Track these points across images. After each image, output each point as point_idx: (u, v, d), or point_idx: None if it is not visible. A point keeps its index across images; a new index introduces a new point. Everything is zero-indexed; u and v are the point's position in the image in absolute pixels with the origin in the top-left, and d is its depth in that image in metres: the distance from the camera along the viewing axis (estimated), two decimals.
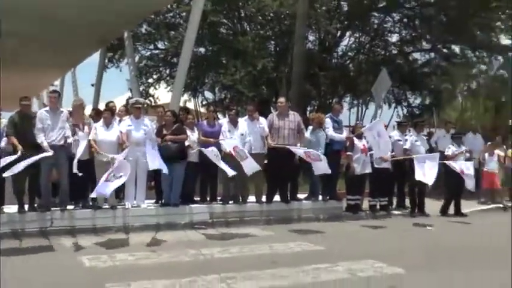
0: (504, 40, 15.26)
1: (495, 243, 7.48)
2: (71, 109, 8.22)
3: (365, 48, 18.16)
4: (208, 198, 8.70)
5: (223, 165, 7.89)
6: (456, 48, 16.66)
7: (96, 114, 8.61)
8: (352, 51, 18.46)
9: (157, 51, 19.16)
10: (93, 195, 7.24)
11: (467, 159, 10.38)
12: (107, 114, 8.03)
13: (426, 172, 8.88)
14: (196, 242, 6.88)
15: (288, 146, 8.42)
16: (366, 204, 9.83)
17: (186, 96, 19.13)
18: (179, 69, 11.80)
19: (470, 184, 9.47)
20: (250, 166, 7.96)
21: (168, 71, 19.37)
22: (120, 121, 8.30)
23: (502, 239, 7.84)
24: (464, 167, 9.50)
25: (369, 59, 18.05)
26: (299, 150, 8.41)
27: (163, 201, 8.24)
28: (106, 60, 18.38)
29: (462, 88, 32.53)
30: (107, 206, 7.81)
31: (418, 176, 8.88)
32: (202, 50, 18.02)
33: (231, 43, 16.73)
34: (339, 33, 17.37)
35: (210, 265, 5.56)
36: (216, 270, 5.20)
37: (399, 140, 9.96)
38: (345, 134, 9.65)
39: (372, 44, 17.93)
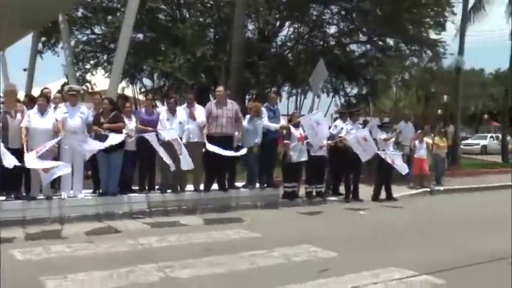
0: (433, 35, 16.05)
1: (421, 224, 8.07)
2: (1, 95, 7.91)
3: (304, 38, 18.49)
4: (146, 187, 8.65)
5: (164, 155, 7.93)
6: (390, 41, 17.32)
7: (30, 101, 8.33)
8: (291, 41, 18.75)
9: (94, 36, 18.62)
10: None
11: (397, 143, 11.11)
12: (41, 101, 7.77)
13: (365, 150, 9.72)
14: (135, 232, 6.88)
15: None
16: (302, 191, 10.11)
17: (124, 83, 18.74)
18: (117, 55, 11.54)
19: (403, 170, 10.12)
20: (185, 161, 8.07)
21: (105, 57, 18.86)
22: (55, 108, 8.07)
23: (427, 220, 8.49)
24: (394, 159, 10.11)
25: (307, 49, 18.40)
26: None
27: (101, 190, 8.12)
28: (40, 45, 17.65)
29: (396, 79, 33.94)
30: (42, 197, 7.59)
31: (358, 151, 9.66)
32: (140, 36, 17.69)
33: (170, 30, 16.53)
34: (278, 23, 17.56)
35: (148, 254, 5.59)
36: (154, 260, 5.25)
37: (352, 129, 10.43)
38: (282, 122, 9.88)
39: (310, 34, 18.28)
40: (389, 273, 5.06)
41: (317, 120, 9.60)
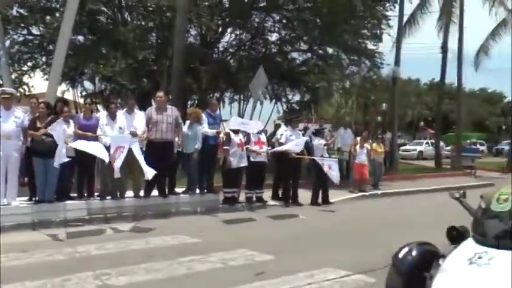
0: (370, 45, 16.70)
1: (356, 227, 8.42)
2: None
3: (246, 45, 18.68)
4: (85, 194, 8.48)
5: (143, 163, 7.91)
6: (331, 50, 17.80)
7: None
8: (233, 47, 18.87)
9: (31, 37, 17.96)
10: None
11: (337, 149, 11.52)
12: None
13: None
14: (72, 240, 6.74)
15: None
16: (242, 197, 10.24)
17: (64, 86, 18.21)
18: (55, 58, 11.18)
19: (335, 179, 10.47)
20: (147, 169, 8.02)
21: (44, 59, 18.23)
22: None
23: (362, 222, 8.85)
24: (331, 164, 10.47)
25: (249, 55, 18.60)
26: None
27: (37, 198, 7.88)
28: None
29: (337, 87, 34.91)
30: None
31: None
32: (81, 38, 17.26)
33: (111, 33, 16.24)
34: (220, 29, 17.66)
35: (86, 262, 5.51)
36: (91, 268, 5.19)
37: (291, 135, 10.70)
38: (221, 129, 10.02)
39: (252, 41, 18.49)
40: (324, 273, 5.27)
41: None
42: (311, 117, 29.11)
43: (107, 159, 7.85)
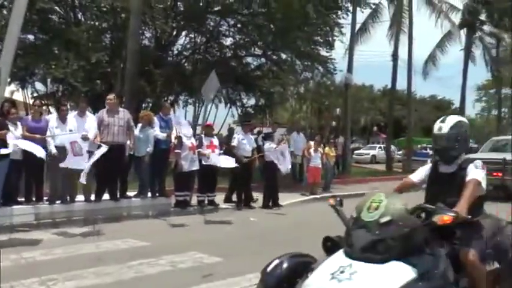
0: (323, 52, 17.07)
1: (304, 228, 8.61)
2: None
3: (200, 49, 18.67)
4: (33, 199, 8.29)
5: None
6: (284, 56, 18.04)
7: None
8: (187, 50, 18.81)
9: None
10: None
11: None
12: None
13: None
14: (19, 245, 6.55)
15: None
16: (194, 200, 10.25)
17: (13, 87, 17.62)
18: (3, 57, 10.83)
19: (283, 168, 10.65)
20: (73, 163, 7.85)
21: None
22: None
23: (310, 224, 9.06)
24: (281, 152, 10.78)
25: (204, 59, 18.60)
26: None
27: None
28: None
29: (292, 92, 35.41)
30: None
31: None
32: (31, 37, 16.76)
33: (63, 33, 15.86)
34: (174, 32, 17.57)
35: (32, 269, 5.40)
36: (37, 274, 5.10)
37: (243, 139, 10.78)
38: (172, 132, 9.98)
39: (207, 45, 18.49)
40: None
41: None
42: (266, 121, 29.42)
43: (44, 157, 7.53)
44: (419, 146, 36.11)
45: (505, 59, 34.19)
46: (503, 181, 12.64)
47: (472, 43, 27.09)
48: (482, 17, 26.83)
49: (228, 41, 18.22)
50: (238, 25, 17.14)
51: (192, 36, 18.52)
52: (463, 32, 26.27)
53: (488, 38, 27.89)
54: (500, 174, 12.80)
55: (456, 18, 25.41)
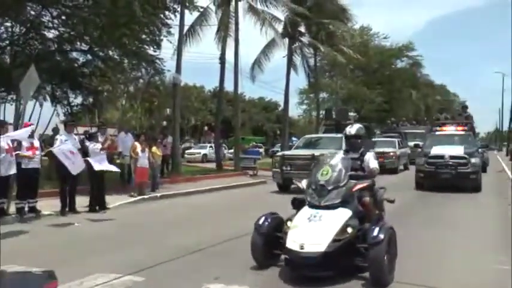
0: (151, 51, 16.94)
1: (132, 229, 8.55)
2: None
3: (19, 40, 17.02)
4: None
5: None
6: (112, 53, 17.39)
7: None
8: (3, 41, 16.99)
9: None
10: None
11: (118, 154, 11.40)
12: None
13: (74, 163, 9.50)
14: None
15: None
16: (13, 208, 9.43)
17: None
18: None
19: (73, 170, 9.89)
20: None
21: None
22: None
23: (139, 225, 9.01)
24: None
25: (24, 51, 17.02)
26: None
27: None
28: None
29: (122, 91, 34.46)
30: None
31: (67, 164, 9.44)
32: None
33: None
34: None
35: None
36: None
37: (66, 140, 10.07)
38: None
39: (26, 37, 16.93)
40: (94, 279, 5.26)
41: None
42: (95, 121, 28.21)
43: None
44: (250, 144, 38.06)
45: (322, 68, 37.91)
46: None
47: (293, 52, 29.31)
48: (302, 28, 29.20)
49: (51, 34, 16.88)
50: (63, 17, 15.96)
51: (9, 25, 16.76)
52: (285, 41, 28.27)
53: (306, 49, 30.46)
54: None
55: (279, 27, 27.25)
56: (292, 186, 14.04)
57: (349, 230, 5.14)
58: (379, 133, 29.50)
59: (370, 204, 5.89)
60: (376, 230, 5.08)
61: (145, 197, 12.88)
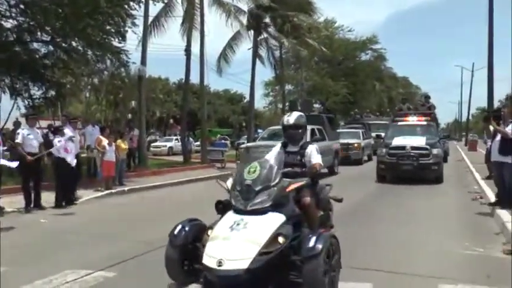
0: (115, 43, 16.58)
1: (100, 224, 8.40)
2: None
3: None
4: None
5: None
6: (75, 44, 16.93)
7: None
8: None
9: None
10: None
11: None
12: None
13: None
14: None
15: None
16: None
17: None
18: None
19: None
20: None
21: None
22: None
23: (107, 220, 8.88)
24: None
25: None
26: None
27: None
28: None
29: (86, 83, 33.74)
30: None
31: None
32: None
33: None
34: None
35: None
36: None
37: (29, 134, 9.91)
38: None
39: None
40: (64, 276, 5.17)
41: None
42: (58, 114, 27.50)
43: None
44: (217, 136, 37.94)
45: (287, 60, 38.03)
46: None
47: (258, 44, 29.30)
48: (267, 20, 29.19)
49: (9, 23, 16.25)
50: (21, 6, 15.40)
51: None
52: (250, 33, 28.23)
53: (272, 41, 30.51)
54: None
55: (245, 19, 27.17)
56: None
57: (281, 239, 4.21)
58: (343, 124, 29.74)
59: (311, 206, 5.00)
60: (313, 239, 4.24)
61: (113, 191, 12.69)
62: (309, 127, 15.38)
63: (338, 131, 23.42)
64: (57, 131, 10.92)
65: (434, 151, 14.51)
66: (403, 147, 14.63)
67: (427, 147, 14.49)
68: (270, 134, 17.22)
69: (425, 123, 16.94)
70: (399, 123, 17.41)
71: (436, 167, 14.50)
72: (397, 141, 15.02)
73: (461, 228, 7.92)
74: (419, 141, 14.82)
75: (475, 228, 7.87)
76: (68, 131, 10.79)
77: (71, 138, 10.54)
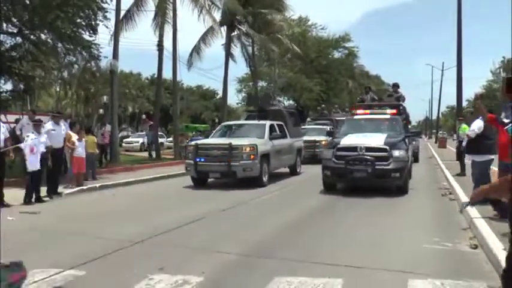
0: (86, 36, 16.24)
1: (71, 222, 8.24)
2: None
3: None
4: None
5: None
6: (44, 36, 16.54)
7: None
8: None
9: None
10: None
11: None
12: None
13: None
14: None
15: None
16: None
17: None
18: None
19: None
20: None
21: None
22: None
23: (78, 217, 8.71)
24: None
25: None
26: None
27: None
28: None
29: (56, 76, 33.02)
30: None
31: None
32: None
33: None
34: None
35: None
36: None
37: None
38: None
39: None
40: (32, 276, 5.01)
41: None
42: (26, 108, 26.89)
43: None
44: (193, 132, 37.63)
45: (260, 57, 37.99)
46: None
47: (231, 40, 29.19)
48: (239, 17, 29.12)
49: None
50: None
51: None
52: (223, 29, 28.14)
53: (245, 37, 30.42)
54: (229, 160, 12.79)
55: (218, 15, 27.06)
56: (210, 179, 13.73)
57: None
58: (309, 120, 27.53)
59: None
60: None
61: (84, 187, 12.46)
62: (268, 123, 14.80)
63: (305, 127, 22.77)
64: (36, 126, 10.66)
65: (396, 153, 11.23)
66: (354, 148, 11.41)
67: (386, 147, 11.26)
68: (224, 130, 15.56)
69: (388, 117, 13.93)
70: (356, 116, 14.65)
71: (398, 173, 11.14)
72: (348, 140, 11.95)
73: (431, 224, 8.06)
74: (377, 140, 11.67)
75: (444, 224, 8.02)
76: (48, 125, 10.59)
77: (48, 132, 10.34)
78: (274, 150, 14.32)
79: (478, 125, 8.87)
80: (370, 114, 14.48)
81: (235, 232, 7.36)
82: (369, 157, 11.12)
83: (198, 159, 13.09)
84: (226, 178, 13.40)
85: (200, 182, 13.51)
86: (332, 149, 11.83)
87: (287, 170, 16.52)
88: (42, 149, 10.43)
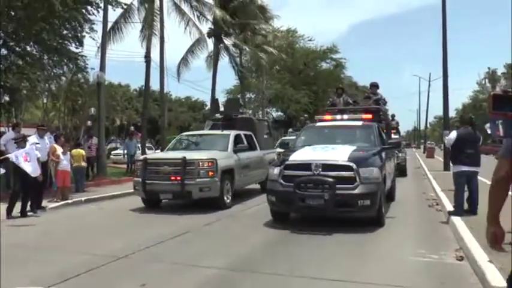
0: (73, 48, 16.18)
1: (55, 237, 8.10)
2: None
3: None
4: None
5: None
6: (29, 48, 16.45)
7: None
8: None
9: None
10: None
11: None
12: None
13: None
14: None
15: None
16: None
17: None
18: None
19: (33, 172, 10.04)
20: None
21: None
22: None
23: (62, 232, 8.57)
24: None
25: None
26: None
27: None
28: None
29: (43, 89, 32.72)
30: None
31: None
32: None
33: None
34: None
35: None
36: None
37: None
38: None
39: None
40: None
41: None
42: (13, 120, 26.63)
43: None
44: None
45: (249, 68, 38.11)
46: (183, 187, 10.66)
47: (219, 51, 29.27)
48: (226, 29, 29.22)
49: None
50: None
51: None
52: (211, 41, 28.23)
53: (233, 48, 30.53)
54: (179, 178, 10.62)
55: (206, 26, 27.17)
56: (164, 200, 11.80)
57: None
58: (291, 131, 26.45)
59: None
60: None
61: (69, 201, 12.29)
62: (233, 133, 12.69)
63: (285, 138, 20.77)
64: (19, 143, 10.51)
65: (365, 172, 8.18)
66: (307, 166, 8.37)
67: (350, 164, 8.18)
68: (180, 143, 13.32)
69: (360, 123, 10.78)
70: (318, 123, 11.76)
71: (368, 201, 8.08)
72: (300, 155, 8.93)
73: (417, 236, 8.05)
74: (339, 154, 8.60)
75: (430, 236, 8.02)
76: (32, 138, 10.50)
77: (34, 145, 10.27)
78: (240, 165, 12.24)
79: (450, 136, 9.37)
80: (336, 120, 11.43)
81: None
82: (326, 178, 8.07)
83: (146, 177, 10.95)
84: (179, 199, 11.38)
85: (152, 203, 11.52)
86: (279, 166, 8.77)
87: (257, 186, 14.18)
88: (38, 155, 10.38)
